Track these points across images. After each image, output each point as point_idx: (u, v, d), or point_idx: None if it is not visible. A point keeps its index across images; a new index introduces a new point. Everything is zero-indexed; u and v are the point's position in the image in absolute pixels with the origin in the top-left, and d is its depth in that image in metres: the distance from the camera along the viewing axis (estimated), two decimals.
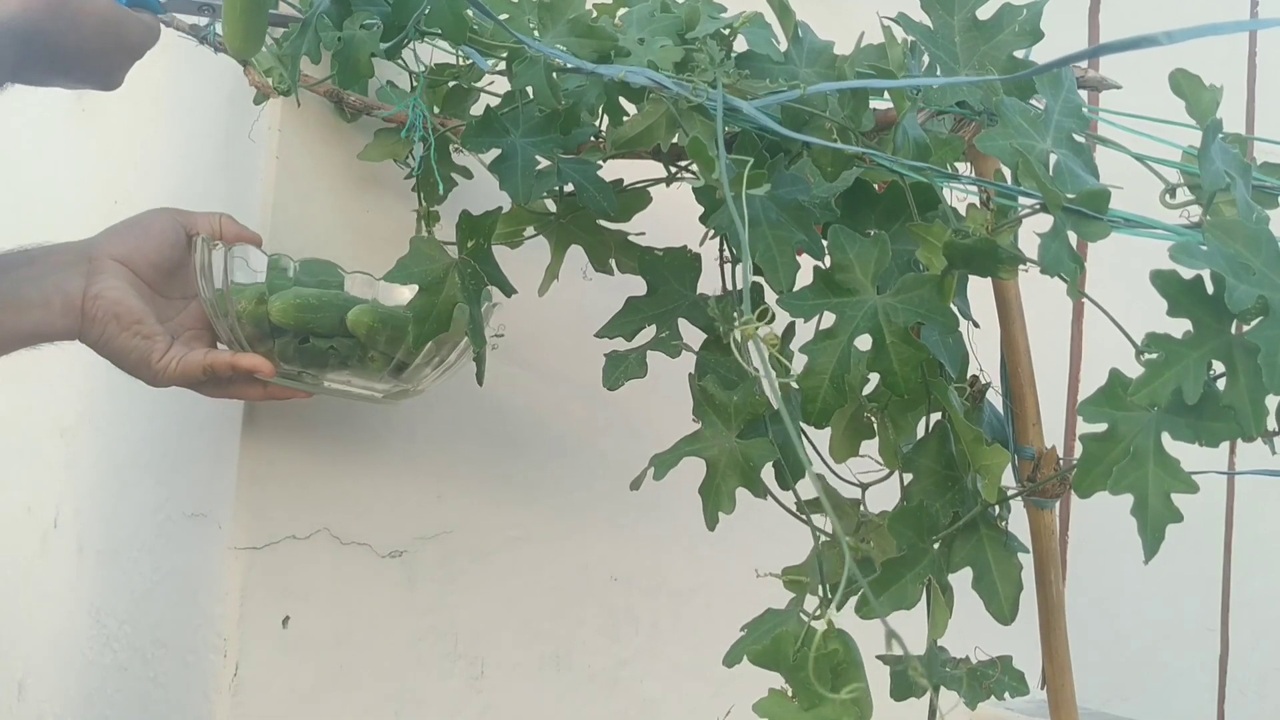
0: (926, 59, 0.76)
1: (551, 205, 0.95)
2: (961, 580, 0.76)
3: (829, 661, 0.65)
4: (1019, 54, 0.74)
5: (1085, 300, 0.69)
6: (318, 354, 0.91)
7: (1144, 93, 0.91)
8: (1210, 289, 0.57)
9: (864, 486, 0.83)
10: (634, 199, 0.92)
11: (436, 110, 0.94)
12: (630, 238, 0.93)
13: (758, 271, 0.74)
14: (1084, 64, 0.67)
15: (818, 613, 0.74)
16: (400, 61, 0.88)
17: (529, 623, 1.16)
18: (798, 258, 0.74)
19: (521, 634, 1.16)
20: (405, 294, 0.88)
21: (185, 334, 0.93)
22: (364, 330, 0.90)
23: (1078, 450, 0.62)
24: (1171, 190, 0.67)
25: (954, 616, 0.77)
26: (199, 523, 1.06)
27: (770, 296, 0.74)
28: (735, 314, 0.79)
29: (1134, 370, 0.60)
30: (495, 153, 0.84)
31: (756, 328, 0.60)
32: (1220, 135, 0.61)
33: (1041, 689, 0.85)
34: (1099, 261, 1.09)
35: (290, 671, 1.02)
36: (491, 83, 0.90)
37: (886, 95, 0.79)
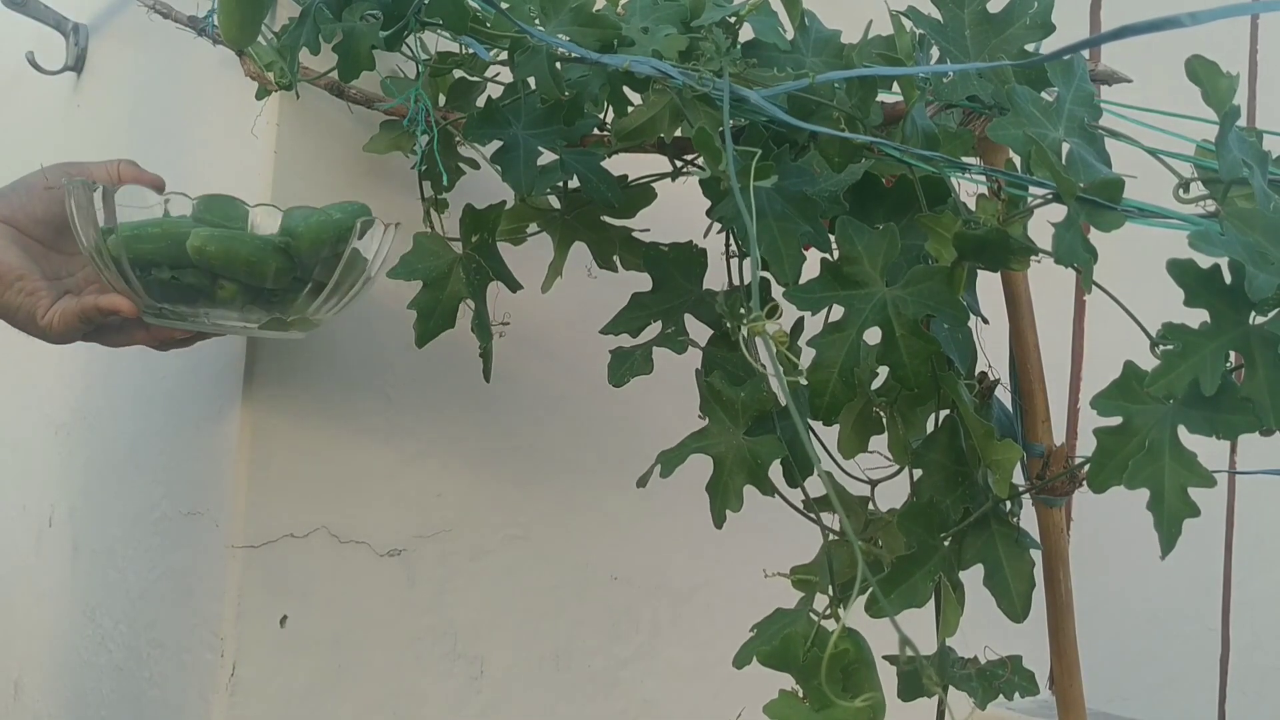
0: (936, 53, 0.75)
1: (555, 202, 0.94)
2: (965, 579, 0.75)
3: (839, 661, 0.64)
4: (1029, 47, 0.74)
5: (1087, 298, 0.68)
6: (173, 288, 0.86)
7: (1147, 88, 0.91)
8: (1228, 278, 0.57)
9: (873, 483, 0.82)
10: (639, 195, 0.91)
11: (442, 102, 0.93)
12: (634, 234, 0.92)
13: (764, 265, 0.73)
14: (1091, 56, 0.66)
15: (827, 612, 0.73)
16: (405, 50, 0.87)
17: (529, 622, 1.15)
18: (804, 252, 0.73)
19: (521, 634, 1.15)
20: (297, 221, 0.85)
21: (88, 288, 0.90)
22: (199, 257, 0.84)
23: (1081, 447, 0.62)
24: (1185, 184, 0.66)
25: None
26: (195, 521, 1.05)
27: (777, 290, 0.74)
28: (743, 310, 0.78)
29: (1143, 365, 0.60)
30: (497, 145, 0.83)
31: (764, 324, 0.59)
32: (1237, 123, 0.60)
33: (1049, 689, 0.85)
34: (1101, 258, 1.08)
35: (288, 671, 1.01)
36: (497, 74, 0.89)
37: (895, 88, 0.79)
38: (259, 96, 0.98)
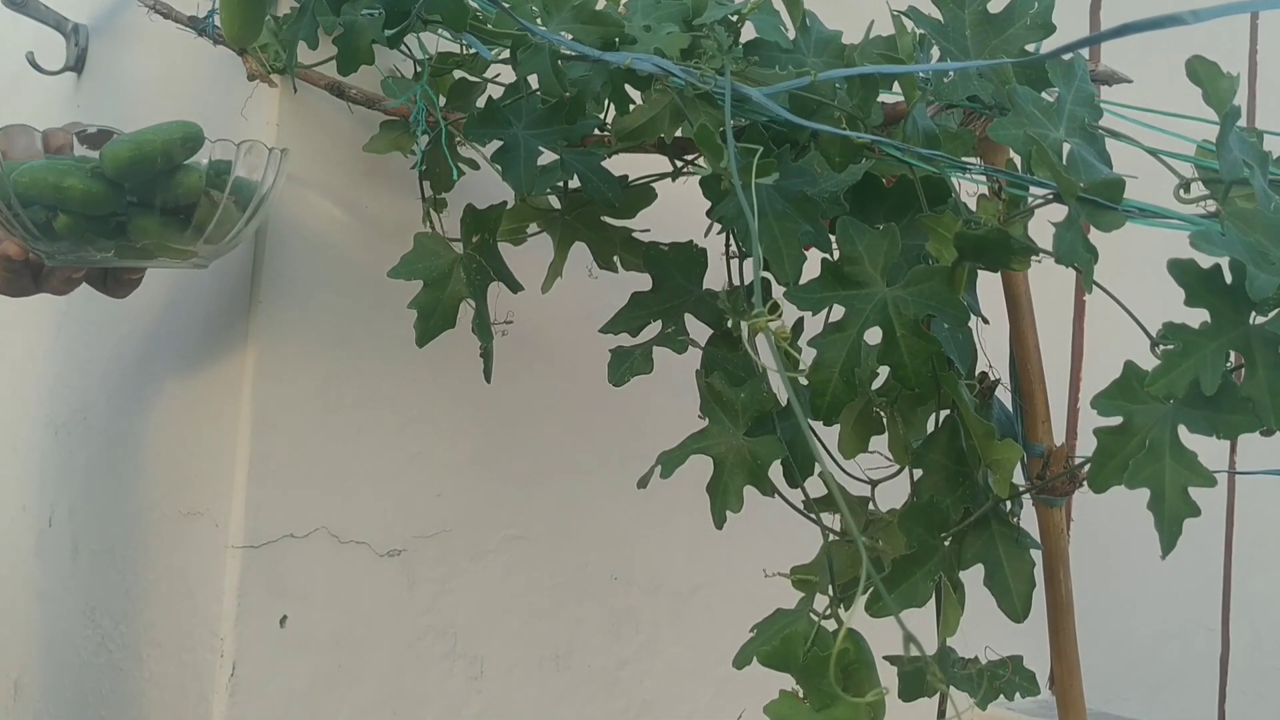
0: (936, 52, 0.75)
1: (555, 202, 0.94)
2: (964, 578, 0.75)
3: (840, 661, 0.64)
4: (1030, 48, 0.74)
5: (1087, 298, 0.68)
6: (35, 225, 0.86)
7: (1147, 89, 0.91)
8: (1228, 278, 0.57)
9: (873, 483, 0.82)
10: (639, 195, 0.91)
11: (442, 102, 0.93)
12: (634, 234, 0.92)
13: (765, 265, 0.73)
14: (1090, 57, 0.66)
15: (828, 612, 0.73)
16: (404, 49, 0.87)
17: (528, 622, 1.15)
18: (804, 253, 0.73)
19: (521, 634, 1.15)
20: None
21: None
22: (18, 189, 0.84)
23: (1080, 447, 0.62)
24: (1186, 185, 0.66)
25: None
26: (195, 521, 1.05)
27: (778, 291, 0.74)
28: (745, 307, 0.78)
29: (1143, 365, 0.60)
30: (497, 144, 0.83)
31: (767, 321, 0.59)
32: (1237, 124, 0.60)
33: (1049, 689, 0.85)
34: (1101, 258, 1.08)
35: (288, 671, 1.01)
36: (497, 74, 0.89)
37: (895, 88, 0.79)
38: (250, 78, 0.98)
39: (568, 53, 0.78)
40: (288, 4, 0.96)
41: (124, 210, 0.86)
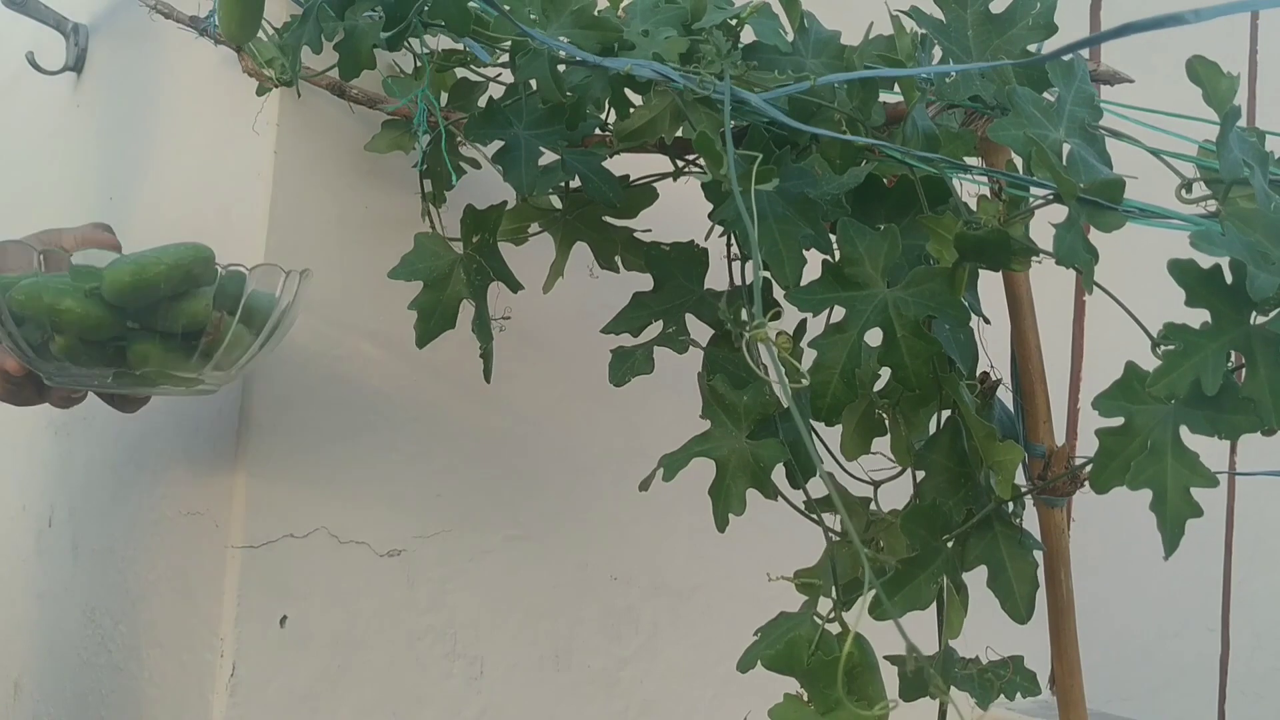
0: (938, 53, 0.75)
1: (557, 202, 0.94)
2: (965, 579, 0.75)
3: (844, 665, 0.64)
4: (1032, 48, 0.74)
5: (1087, 298, 0.68)
6: (31, 345, 0.82)
7: (1148, 89, 0.91)
8: (1229, 278, 0.57)
9: (876, 484, 0.82)
10: (640, 195, 0.91)
11: (444, 101, 0.93)
12: (636, 234, 0.92)
13: (765, 267, 0.73)
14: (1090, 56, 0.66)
15: (831, 615, 0.73)
16: (408, 47, 0.87)
17: (528, 622, 1.15)
18: (804, 253, 0.73)
19: (521, 634, 1.15)
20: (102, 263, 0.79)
21: None
22: (15, 307, 0.80)
23: (1081, 448, 0.62)
24: (1187, 185, 0.66)
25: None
26: (195, 521, 1.05)
27: (779, 292, 0.73)
28: (746, 313, 0.78)
29: (1143, 365, 0.59)
30: (498, 145, 0.83)
31: (767, 330, 0.59)
32: (1238, 124, 0.60)
33: (1050, 689, 0.85)
34: (1102, 259, 1.08)
35: (288, 671, 1.01)
36: (499, 74, 0.89)
37: (896, 88, 0.79)
38: (259, 93, 0.98)
39: (567, 57, 0.78)
40: (287, 13, 0.96)
41: (124, 335, 0.81)
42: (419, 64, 0.88)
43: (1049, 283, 0.94)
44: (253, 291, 0.84)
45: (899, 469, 0.81)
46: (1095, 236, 0.63)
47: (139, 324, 0.81)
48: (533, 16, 0.79)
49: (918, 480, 0.77)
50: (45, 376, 0.85)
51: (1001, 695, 0.75)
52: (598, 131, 0.86)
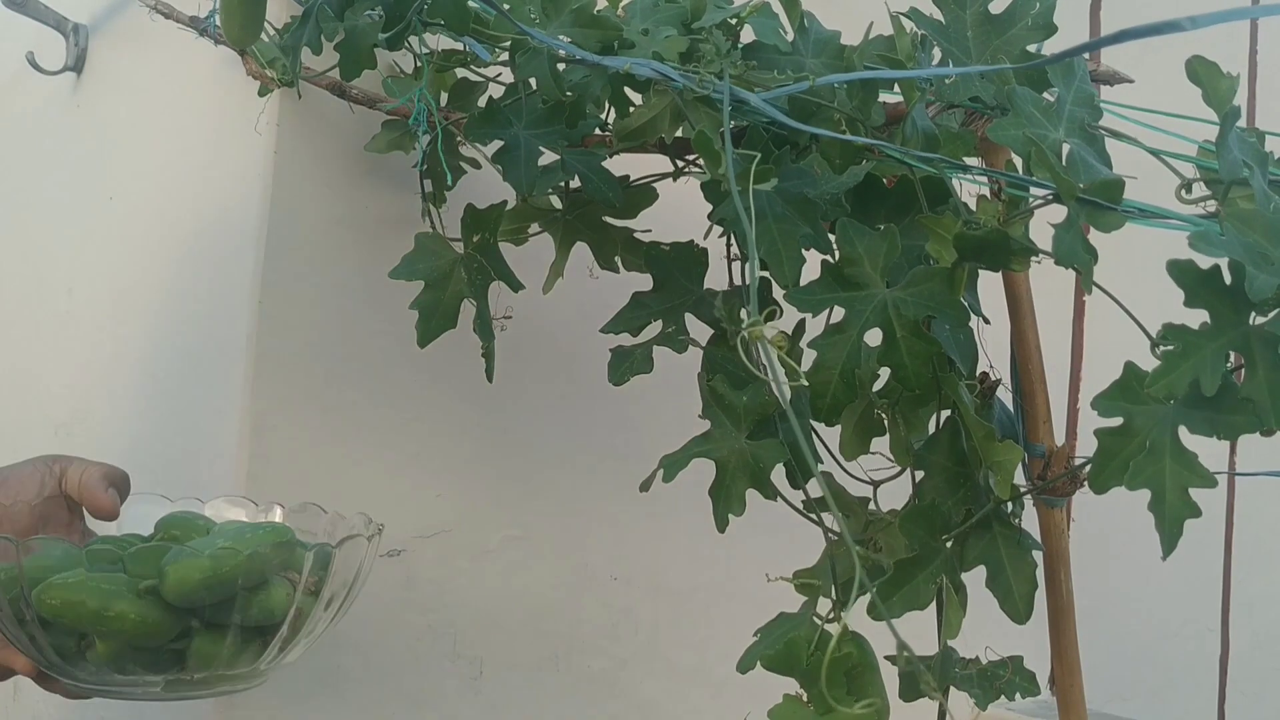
0: (937, 53, 0.75)
1: (557, 202, 0.94)
2: (965, 579, 0.75)
3: (843, 665, 0.64)
4: (1031, 48, 0.74)
5: (1087, 298, 0.68)
6: (59, 651, 0.70)
7: (1148, 89, 0.91)
8: (1228, 279, 0.57)
9: (875, 484, 0.82)
10: (640, 195, 0.91)
11: (444, 101, 0.93)
12: (635, 234, 0.92)
13: (764, 267, 0.73)
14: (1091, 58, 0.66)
15: (831, 615, 0.73)
16: (408, 46, 0.87)
17: (528, 622, 1.15)
18: (804, 253, 0.73)
19: (520, 634, 1.14)
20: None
21: None
22: (48, 612, 0.68)
23: (1080, 448, 0.62)
24: (1187, 185, 0.66)
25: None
26: None
27: (778, 292, 0.74)
28: (743, 312, 0.78)
29: (1143, 365, 0.60)
30: (498, 144, 0.83)
31: (763, 329, 0.59)
32: (1237, 124, 0.60)
33: (1050, 689, 0.85)
34: (1101, 259, 1.08)
35: (287, 672, 1.00)
36: (499, 74, 0.89)
37: (895, 88, 0.79)
38: (261, 94, 0.98)
39: (567, 56, 0.78)
40: (287, 14, 0.96)
41: (184, 634, 0.70)
42: (419, 64, 0.88)
43: (1049, 283, 0.94)
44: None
45: (898, 469, 0.81)
46: (1095, 236, 0.63)
47: (202, 621, 0.70)
48: (532, 15, 0.79)
49: (917, 480, 0.77)
50: (72, 684, 0.72)
51: (1001, 695, 0.75)
52: (597, 131, 0.86)
